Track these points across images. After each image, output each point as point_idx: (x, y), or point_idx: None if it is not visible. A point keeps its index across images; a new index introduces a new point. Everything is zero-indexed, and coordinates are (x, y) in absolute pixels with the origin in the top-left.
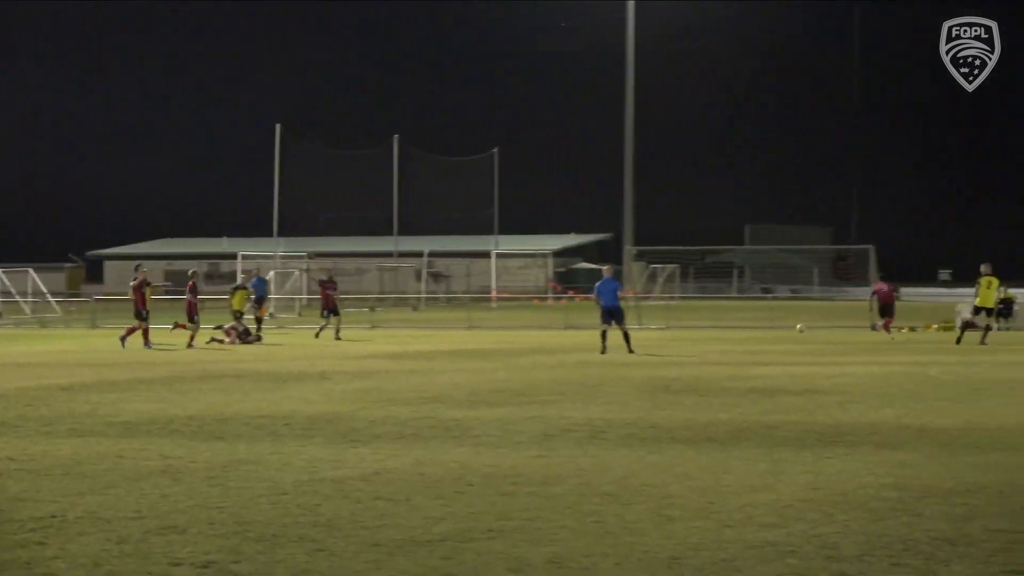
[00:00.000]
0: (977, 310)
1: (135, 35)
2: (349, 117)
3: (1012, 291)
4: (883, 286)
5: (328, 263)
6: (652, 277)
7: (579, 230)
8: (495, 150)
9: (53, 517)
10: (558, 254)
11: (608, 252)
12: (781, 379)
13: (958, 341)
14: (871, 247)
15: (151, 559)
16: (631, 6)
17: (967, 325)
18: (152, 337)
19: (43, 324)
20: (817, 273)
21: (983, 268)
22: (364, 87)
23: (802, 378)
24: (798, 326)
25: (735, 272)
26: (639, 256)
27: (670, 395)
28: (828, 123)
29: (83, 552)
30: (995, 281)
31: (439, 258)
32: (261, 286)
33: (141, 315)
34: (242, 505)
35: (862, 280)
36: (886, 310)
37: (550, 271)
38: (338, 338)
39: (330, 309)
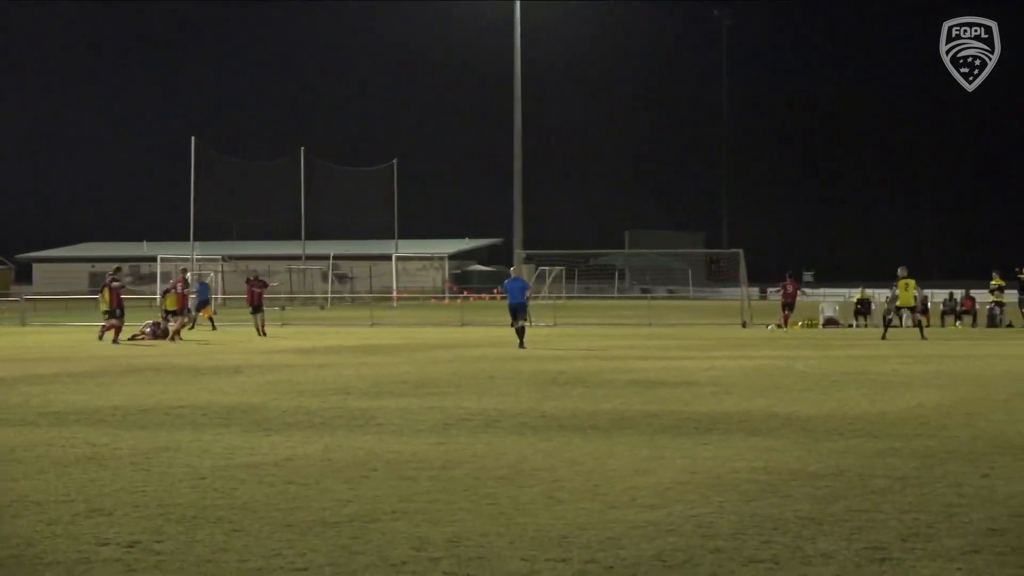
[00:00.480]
0: (899, 310)
1: (60, 48)
2: (259, 130)
3: (869, 291)
4: (788, 284)
5: (241, 265)
6: (540, 278)
7: (472, 235)
8: (394, 161)
9: None
10: (453, 257)
11: (499, 255)
12: (660, 372)
13: (883, 336)
14: (740, 251)
15: (80, 539)
16: (517, 6)
17: (888, 323)
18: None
19: None
20: (692, 275)
21: (900, 271)
22: (272, 102)
23: (679, 371)
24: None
25: (616, 274)
26: (528, 259)
27: (558, 387)
28: (700, 134)
29: (16, 533)
30: (912, 282)
31: (344, 260)
32: (204, 290)
33: (115, 313)
34: (164, 489)
35: (733, 281)
36: (788, 306)
37: (446, 273)
38: (263, 334)
39: (255, 306)
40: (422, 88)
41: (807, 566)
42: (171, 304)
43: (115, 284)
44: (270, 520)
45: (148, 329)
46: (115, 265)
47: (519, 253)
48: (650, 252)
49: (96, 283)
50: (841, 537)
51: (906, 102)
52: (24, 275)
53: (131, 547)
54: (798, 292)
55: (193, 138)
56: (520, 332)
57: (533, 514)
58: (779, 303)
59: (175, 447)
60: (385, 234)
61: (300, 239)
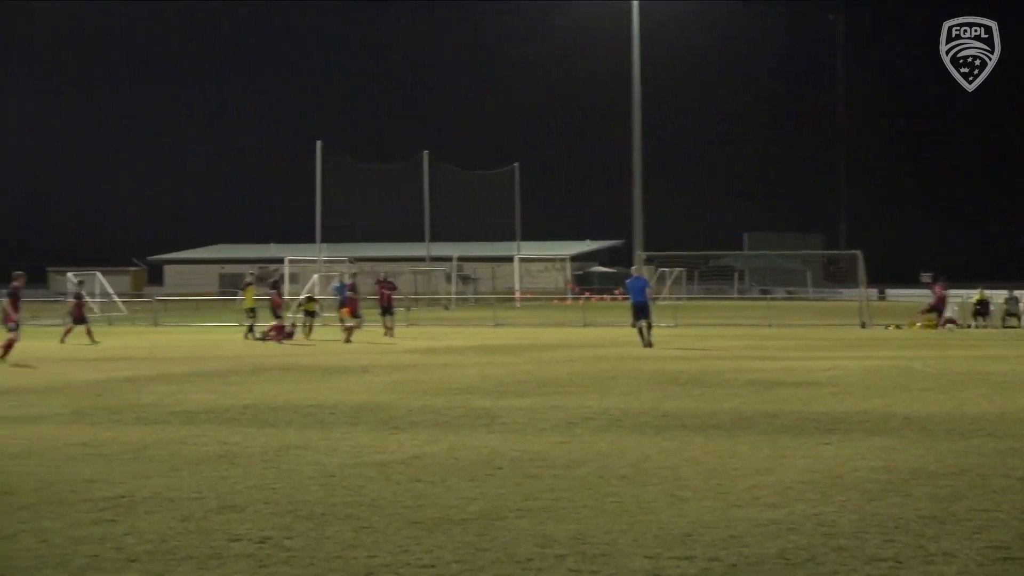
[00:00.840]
0: None
1: (191, 54)
2: (383, 134)
3: (987, 292)
4: (937, 287)
5: (367, 267)
6: (661, 279)
7: (593, 237)
8: (516, 164)
9: (123, 497)
10: (575, 258)
11: (620, 257)
12: (779, 372)
13: None
14: (859, 252)
15: (212, 535)
16: (635, 6)
17: None
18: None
19: (111, 322)
20: (810, 276)
21: None
22: (396, 107)
23: (798, 371)
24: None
25: (736, 275)
26: (648, 260)
27: (679, 386)
28: (817, 137)
29: (151, 529)
30: None
31: (467, 262)
32: (343, 291)
33: (276, 313)
34: (294, 486)
35: (852, 282)
36: (936, 308)
37: (568, 274)
38: (391, 335)
39: (384, 307)
40: (543, 92)
41: (929, 565)
42: (311, 307)
43: (250, 282)
44: (397, 517)
45: (274, 331)
46: (272, 267)
47: (639, 254)
48: (769, 253)
49: (226, 284)
50: (963, 536)
51: (1016, 103)
52: (156, 276)
53: (262, 543)
54: (944, 294)
55: (319, 143)
56: (644, 331)
57: (656, 512)
58: (929, 305)
59: (304, 445)
60: (507, 236)
61: (424, 241)
